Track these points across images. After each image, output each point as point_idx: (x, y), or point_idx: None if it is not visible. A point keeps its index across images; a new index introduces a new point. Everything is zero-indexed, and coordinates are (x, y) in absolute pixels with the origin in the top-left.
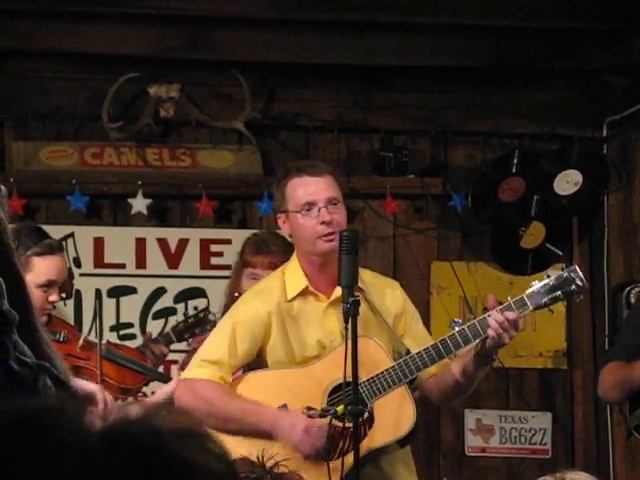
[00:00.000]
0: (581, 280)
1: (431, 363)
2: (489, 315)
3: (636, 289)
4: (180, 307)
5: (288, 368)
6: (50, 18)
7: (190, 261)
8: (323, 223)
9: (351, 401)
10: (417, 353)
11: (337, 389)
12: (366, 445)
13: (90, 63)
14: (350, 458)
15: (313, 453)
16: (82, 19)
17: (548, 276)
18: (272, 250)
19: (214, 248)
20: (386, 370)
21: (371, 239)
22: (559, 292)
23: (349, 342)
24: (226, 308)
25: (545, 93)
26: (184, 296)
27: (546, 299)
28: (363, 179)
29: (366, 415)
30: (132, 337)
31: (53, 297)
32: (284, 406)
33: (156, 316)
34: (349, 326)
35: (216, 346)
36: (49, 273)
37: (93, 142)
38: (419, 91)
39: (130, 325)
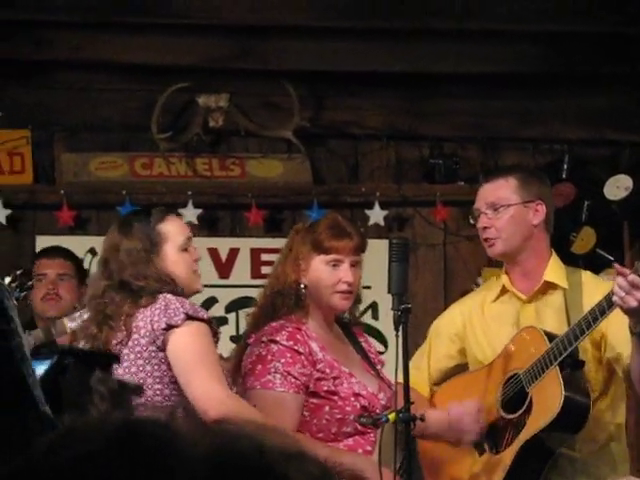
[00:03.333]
0: None
1: (574, 340)
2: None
3: None
4: (231, 317)
5: (473, 371)
6: (99, 30)
7: (241, 271)
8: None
9: (403, 408)
10: (562, 335)
11: (509, 380)
12: (523, 436)
13: (139, 74)
14: (509, 452)
15: None
16: (131, 30)
17: None
18: (354, 234)
19: (265, 257)
20: (539, 357)
21: (421, 247)
22: None
23: (399, 350)
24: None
25: (594, 98)
26: (235, 306)
27: None
28: (413, 186)
29: (525, 405)
30: None
31: (197, 254)
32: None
33: None
34: (399, 334)
35: (419, 352)
36: (182, 230)
37: (143, 153)
38: (468, 98)
39: None
